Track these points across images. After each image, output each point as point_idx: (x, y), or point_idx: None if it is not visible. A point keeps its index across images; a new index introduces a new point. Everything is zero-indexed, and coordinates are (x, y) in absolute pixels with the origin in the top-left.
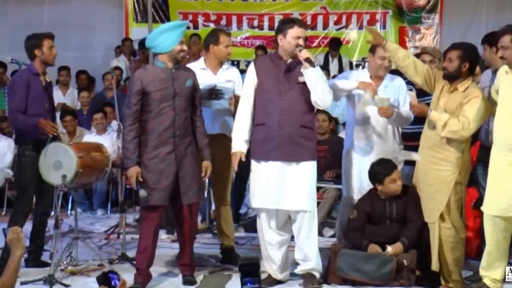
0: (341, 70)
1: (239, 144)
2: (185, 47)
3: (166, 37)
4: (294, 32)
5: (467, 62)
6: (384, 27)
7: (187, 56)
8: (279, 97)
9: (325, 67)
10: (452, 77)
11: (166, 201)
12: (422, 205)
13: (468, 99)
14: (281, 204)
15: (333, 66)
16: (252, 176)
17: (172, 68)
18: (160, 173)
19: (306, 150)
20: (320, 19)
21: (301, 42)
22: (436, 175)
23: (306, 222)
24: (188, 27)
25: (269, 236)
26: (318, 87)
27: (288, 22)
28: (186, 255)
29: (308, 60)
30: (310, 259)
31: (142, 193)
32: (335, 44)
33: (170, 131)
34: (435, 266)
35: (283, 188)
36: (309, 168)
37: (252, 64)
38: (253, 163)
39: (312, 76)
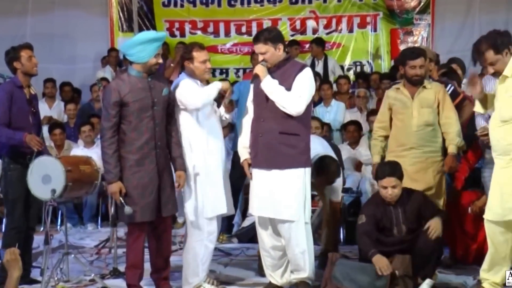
0: (326, 72)
1: (242, 153)
2: (160, 60)
3: (142, 49)
4: (255, 48)
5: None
6: (375, 30)
7: (172, 64)
8: (263, 105)
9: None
10: (423, 80)
11: (152, 216)
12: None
13: (442, 95)
14: (267, 212)
15: (319, 68)
16: (251, 184)
17: (148, 77)
18: (144, 188)
19: (287, 157)
20: (309, 23)
21: (260, 57)
22: (432, 168)
23: (293, 232)
24: (175, 35)
25: (265, 241)
26: (274, 97)
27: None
28: (168, 268)
29: (255, 76)
30: (302, 269)
31: (128, 210)
32: (319, 41)
33: (152, 143)
34: None
35: (268, 196)
36: (294, 176)
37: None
38: (252, 171)
39: (265, 90)
